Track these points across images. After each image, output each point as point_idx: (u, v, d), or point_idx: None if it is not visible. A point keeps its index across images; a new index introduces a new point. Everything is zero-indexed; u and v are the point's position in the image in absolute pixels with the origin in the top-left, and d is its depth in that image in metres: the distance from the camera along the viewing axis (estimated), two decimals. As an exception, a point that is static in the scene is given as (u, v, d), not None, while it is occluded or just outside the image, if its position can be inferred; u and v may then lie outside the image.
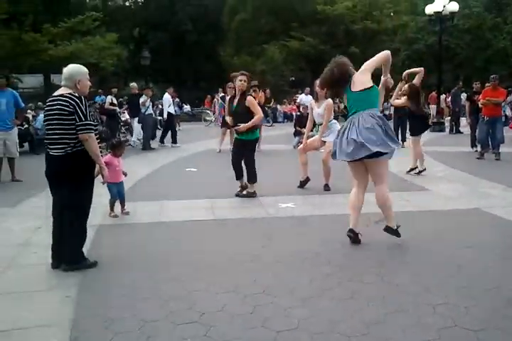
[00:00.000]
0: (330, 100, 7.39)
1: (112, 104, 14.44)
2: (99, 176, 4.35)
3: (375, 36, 36.15)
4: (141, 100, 13.94)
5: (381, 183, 4.75)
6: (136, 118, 14.22)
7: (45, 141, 4.22)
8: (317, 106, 7.56)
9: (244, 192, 7.07)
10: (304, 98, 15.87)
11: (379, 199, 4.80)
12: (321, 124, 7.51)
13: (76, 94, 4.03)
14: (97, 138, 4.10)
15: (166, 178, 9.00)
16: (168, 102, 15.08)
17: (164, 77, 36.10)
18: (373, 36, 36.06)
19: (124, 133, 17.13)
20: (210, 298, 3.57)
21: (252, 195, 7.00)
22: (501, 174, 8.86)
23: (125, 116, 17.88)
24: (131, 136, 17.01)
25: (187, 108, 30.24)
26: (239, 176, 7.18)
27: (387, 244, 4.86)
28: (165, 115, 14.90)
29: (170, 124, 15.14)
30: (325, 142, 7.37)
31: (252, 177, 7.07)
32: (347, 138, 4.61)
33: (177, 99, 21.91)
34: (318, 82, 7.31)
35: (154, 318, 3.25)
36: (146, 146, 13.82)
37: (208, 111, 25.25)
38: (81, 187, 4.11)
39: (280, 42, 36.06)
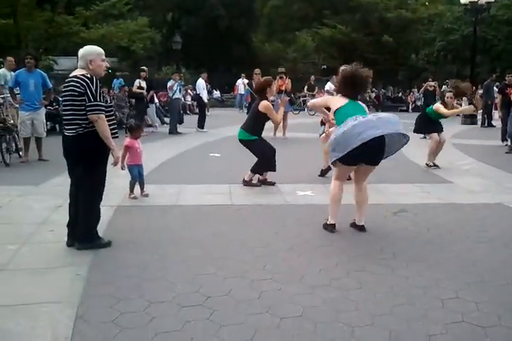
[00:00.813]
0: None
1: (139, 87, 14.49)
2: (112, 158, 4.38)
3: (410, 25, 35.48)
4: (169, 84, 14.03)
5: (365, 181, 4.95)
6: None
7: (63, 122, 4.28)
8: None
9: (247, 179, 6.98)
10: (332, 86, 15.68)
11: (366, 196, 4.95)
12: None
13: (88, 75, 4.04)
14: (109, 120, 4.10)
15: (189, 163, 9.04)
16: (202, 87, 15.11)
17: (196, 62, 36.12)
18: (407, 25, 35.40)
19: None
20: (217, 282, 3.58)
21: (247, 184, 6.91)
22: (529, 169, 8.63)
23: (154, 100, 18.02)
24: (160, 120, 17.17)
25: (217, 94, 30.27)
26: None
27: (403, 235, 4.80)
28: (205, 99, 15.05)
29: (200, 109, 15.25)
30: None
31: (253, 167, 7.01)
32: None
33: (208, 85, 21.92)
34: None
35: (160, 300, 3.27)
36: (172, 130, 13.90)
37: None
38: (93, 168, 4.14)
39: (312, 29, 35.69)
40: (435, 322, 3.04)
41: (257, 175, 7.05)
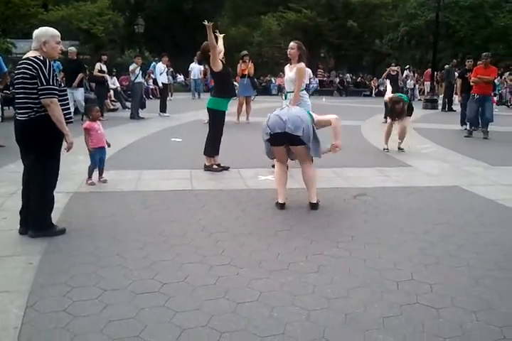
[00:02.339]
0: (302, 64, 6.56)
1: (100, 71, 14.18)
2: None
3: (374, 10, 35.66)
4: (131, 68, 13.76)
5: (306, 162, 5.16)
6: (76, 90, 12.27)
7: (15, 106, 4.13)
8: (289, 70, 6.72)
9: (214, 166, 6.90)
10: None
11: (310, 175, 5.16)
12: (291, 92, 6.73)
13: (41, 58, 3.90)
14: (62, 104, 3.97)
15: (149, 148, 8.90)
16: (159, 71, 14.94)
17: (159, 45, 35.52)
18: (372, 10, 35.57)
19: (114, 101, 16.98)
20: (174, 268, 3.53)
21: (208, 169, 6.82)
22: (487, 153, 8.83)
23: (115, 84, 17.67)
24: (121, 104, 16.87)
25: (180, 78, 29.90)
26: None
27: (362, 218, 4.83)
28: (160, 83, 14.82)
29: (161, 93, 15.08)
30: None
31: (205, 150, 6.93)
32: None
33: (170, 69, 21.65)
34: (292, 44, 6.60)
35: (115, 287, 3.21)
36: (134, 115, 13.68)
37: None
38: (46, 153, 4.00)
39: (278, 13, 35.50)
40: (390, 304, 3.07)
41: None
